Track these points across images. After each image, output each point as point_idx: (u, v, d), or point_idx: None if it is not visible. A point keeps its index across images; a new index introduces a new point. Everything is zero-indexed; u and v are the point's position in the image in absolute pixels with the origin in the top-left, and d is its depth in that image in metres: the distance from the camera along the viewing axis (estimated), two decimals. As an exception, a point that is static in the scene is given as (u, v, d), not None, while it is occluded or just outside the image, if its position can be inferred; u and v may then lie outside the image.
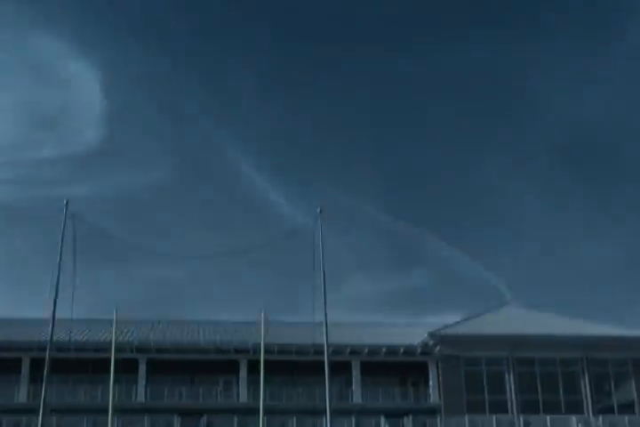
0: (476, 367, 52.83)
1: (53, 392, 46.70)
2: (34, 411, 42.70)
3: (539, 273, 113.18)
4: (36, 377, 48.19)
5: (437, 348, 53.11)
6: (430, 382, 53.88)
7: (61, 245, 38.72)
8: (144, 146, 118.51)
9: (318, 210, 39.94)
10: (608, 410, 52.57)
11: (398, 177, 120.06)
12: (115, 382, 34.03)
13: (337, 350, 50.26)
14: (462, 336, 53.32)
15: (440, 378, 53.03)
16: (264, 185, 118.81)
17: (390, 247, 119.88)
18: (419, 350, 53.94)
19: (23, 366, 51.94)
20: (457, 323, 56.81)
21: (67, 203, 38.91)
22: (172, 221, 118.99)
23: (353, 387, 53.47)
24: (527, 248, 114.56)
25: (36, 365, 47.43)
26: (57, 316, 39.38)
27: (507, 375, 52.81)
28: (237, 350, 53.14)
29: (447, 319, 60.78)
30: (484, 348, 53.03)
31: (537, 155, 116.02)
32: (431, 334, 53.14)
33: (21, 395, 51.25)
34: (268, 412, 40.64)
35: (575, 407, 52.30)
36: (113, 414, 34.02)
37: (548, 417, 50.65)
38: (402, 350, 54.03)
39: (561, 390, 52.87)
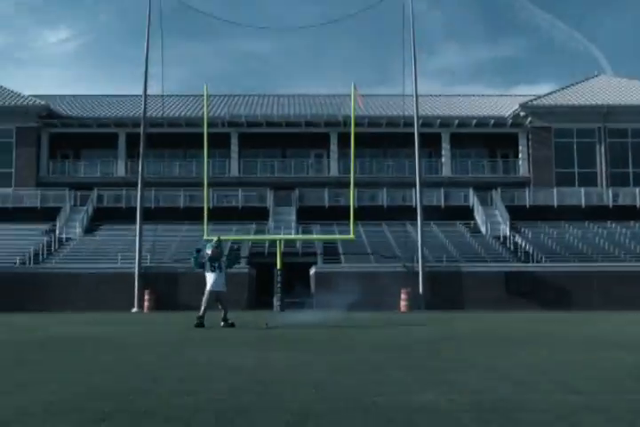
0: (567, 139, 52.14)
1: (150, 167, 48.16)
2: (132, 184, 44.50)
3: (637, 42, 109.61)
4: (132, 152, 49.55)
5: (528, 119, 52.42)
6: (520, 155, 53.69)
7: (148, 21, 38.60)
8: None
9: (408, -22, 38.68)
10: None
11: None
12: (208, 156, 34.74)
13: (426, 122, 50.13)
14: (553, 107, 52.35)
15: (530, 150, 52.76)
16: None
17: (482, 15, 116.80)
18: (509, 122, 53.37)
19: (119, 142, 53.20)
20: (549, 94, 55.58)
21: (150, -23, 38.30)
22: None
23: (442, 159, 53.68)
24: (627, 16, 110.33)
25: (132, 140, 48.58)
26: (149, 92, 39.98)
27: (597, 147, 52.10)
28: (328, 123, 53.33)
29: (541, 91, 59.80)
30: (576, 119, 52.10)
31: None
32: (522, 105, 52.30)
33: (119, 170, 52.94)
34: (358, 185, 41.34)
35: (666, 180, 51.88)
36: (208, 188, 35.05)
37: (638, 189, 50.41)
38: (492, 122, 53.47)
39: (652, 162, 52.21)
